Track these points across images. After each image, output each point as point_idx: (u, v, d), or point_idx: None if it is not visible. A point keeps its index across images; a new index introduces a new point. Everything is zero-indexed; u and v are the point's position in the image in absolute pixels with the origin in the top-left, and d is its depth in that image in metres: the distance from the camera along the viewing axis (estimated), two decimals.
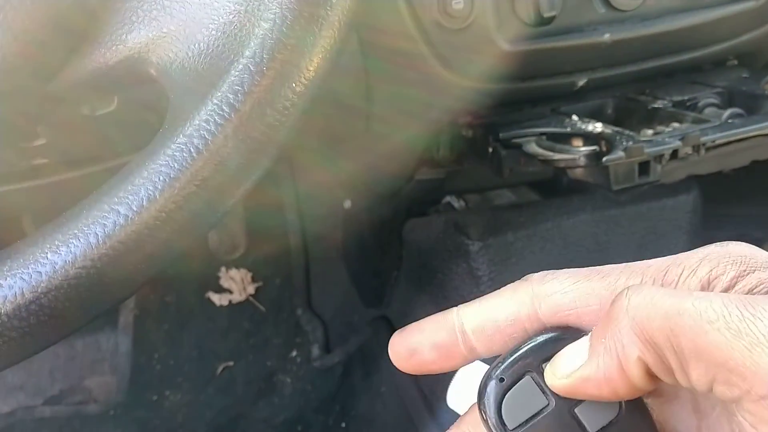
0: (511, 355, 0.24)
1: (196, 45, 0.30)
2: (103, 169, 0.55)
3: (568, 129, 0.60)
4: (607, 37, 0.60)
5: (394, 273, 1.00)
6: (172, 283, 1.13)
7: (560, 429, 0.23)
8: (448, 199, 0.99)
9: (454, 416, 0.40)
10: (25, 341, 0.27)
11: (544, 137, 0.61)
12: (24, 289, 0.26)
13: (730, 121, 0.59)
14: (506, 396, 0.24)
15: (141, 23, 0.31)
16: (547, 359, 0.24)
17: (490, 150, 0.64)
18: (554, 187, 0.94)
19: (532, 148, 0.59)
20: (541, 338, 0.24)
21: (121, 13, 0.32)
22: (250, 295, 1.14)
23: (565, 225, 0.81)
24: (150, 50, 0.31)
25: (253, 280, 1.16)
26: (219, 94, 0.28)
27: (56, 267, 0.27)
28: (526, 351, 0.24)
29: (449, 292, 0.83)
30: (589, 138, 0.58)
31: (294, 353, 1.08)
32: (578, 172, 0.58)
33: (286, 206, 1.17)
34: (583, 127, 0.60)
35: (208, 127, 0.27)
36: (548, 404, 0.23)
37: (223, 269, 1.15)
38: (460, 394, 0.42)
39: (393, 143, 0.73)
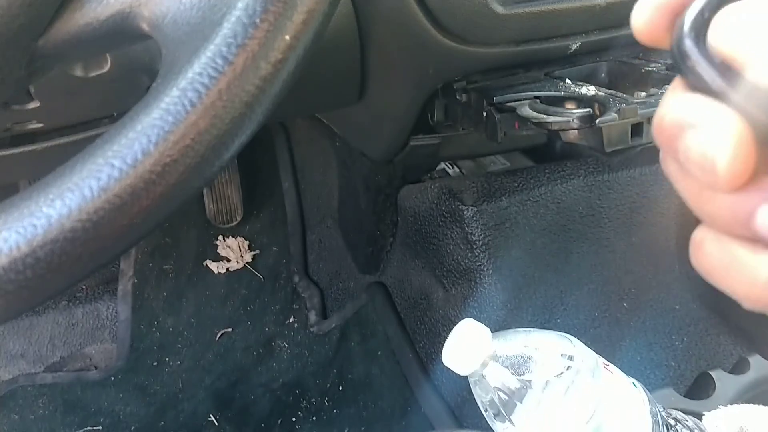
0: None
1: None
2: (98, 134, 0.55)
3: (562, 92, 0.60)
4: (601, 0, 0.60)
5: (390, 239, 1.00)
6: (170, 251, 1.14)
7: None
8: (442, 165, 0.99)
9: (451, 376, 0.40)
10: (22, 295, 0.27)
11: (537, 101, 0.60)
12: (20, 243, 0.26)
13: None
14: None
15: None
16: None
17: (485, 114, 0.64)
18: (548, 153, 0.94)
19: (526, 111, 0.59)
20: None
21: None
22: (248, 263, 1.15)
23: (559, 190, 0.82)
24: (141, 4, 0.31)
25: (250, 248, 1.16)
26: (212, 47, 0.28)
27: (51, 220, 0.26)
28: None
29: (444, 258, 0.84)
30: (582, 101, 0.58)
31: (291, 319, 1.09)
32: (572, 135, 0.57)
33: (282, 175, 1.17)
34: (577, 90, 0.60)
35: (202, 80, 0.27)
36: None
37: (220, 238, 1.16)
38: (457, 352, 0.43)
39: (387, 109, 0.73)
